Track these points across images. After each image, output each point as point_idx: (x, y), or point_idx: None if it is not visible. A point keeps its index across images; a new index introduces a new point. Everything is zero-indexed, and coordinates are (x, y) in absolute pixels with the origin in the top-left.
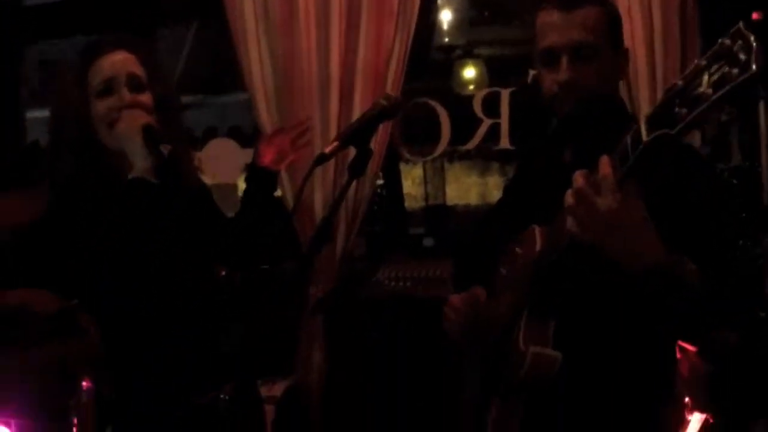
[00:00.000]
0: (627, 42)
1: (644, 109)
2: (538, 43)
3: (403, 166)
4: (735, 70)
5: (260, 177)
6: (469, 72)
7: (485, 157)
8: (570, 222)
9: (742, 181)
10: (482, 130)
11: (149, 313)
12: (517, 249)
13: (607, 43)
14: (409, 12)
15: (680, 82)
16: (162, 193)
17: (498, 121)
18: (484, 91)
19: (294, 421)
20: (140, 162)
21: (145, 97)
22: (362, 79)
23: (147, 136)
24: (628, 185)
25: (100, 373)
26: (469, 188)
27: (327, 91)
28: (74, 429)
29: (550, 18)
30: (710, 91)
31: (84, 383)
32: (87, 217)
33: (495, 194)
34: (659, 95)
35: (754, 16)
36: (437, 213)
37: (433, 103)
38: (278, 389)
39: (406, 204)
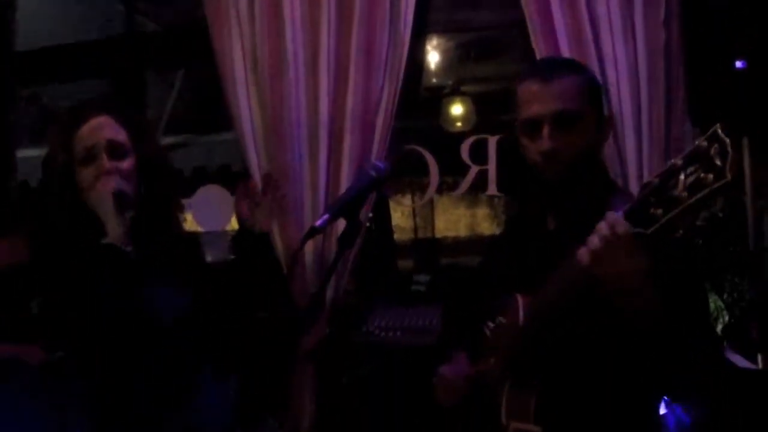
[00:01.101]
0: (612, 88)
1: (629, 155)
2: (520, 114)
3: (391, 199)
4: (710, 176)
5: (245, 239)
6: (457, 109)
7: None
8: (584, 255)
9: (728, 216)
10: (470, 177)
11: (125, 369)
12: (501, 318)
13: (587, 110)
14: (397, 61)
15: (656, 180)
16: (132, 261)
17: (485, 167)
18: (471, 139)
19: None
20: (113, 228)
21: (126, 163)
22: (351, 126)
23: (118, 202)
24: None
25: (91, 423)
26: (458, 220)
27: (316, 138)
28: None
29: (530, 89)
30: (685, 194)
31: None
32: (62, 274)
33: (484, 226)
34: (644, 142)
35: (738, 64)
36: (426, 245)
37: (421, 149)
38: None
39: (396, 236)
